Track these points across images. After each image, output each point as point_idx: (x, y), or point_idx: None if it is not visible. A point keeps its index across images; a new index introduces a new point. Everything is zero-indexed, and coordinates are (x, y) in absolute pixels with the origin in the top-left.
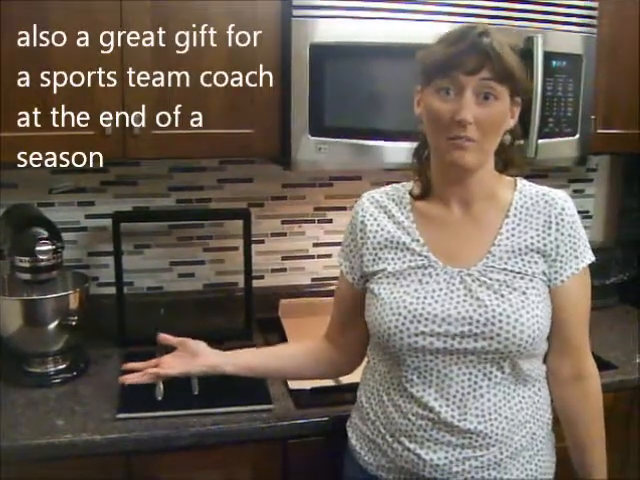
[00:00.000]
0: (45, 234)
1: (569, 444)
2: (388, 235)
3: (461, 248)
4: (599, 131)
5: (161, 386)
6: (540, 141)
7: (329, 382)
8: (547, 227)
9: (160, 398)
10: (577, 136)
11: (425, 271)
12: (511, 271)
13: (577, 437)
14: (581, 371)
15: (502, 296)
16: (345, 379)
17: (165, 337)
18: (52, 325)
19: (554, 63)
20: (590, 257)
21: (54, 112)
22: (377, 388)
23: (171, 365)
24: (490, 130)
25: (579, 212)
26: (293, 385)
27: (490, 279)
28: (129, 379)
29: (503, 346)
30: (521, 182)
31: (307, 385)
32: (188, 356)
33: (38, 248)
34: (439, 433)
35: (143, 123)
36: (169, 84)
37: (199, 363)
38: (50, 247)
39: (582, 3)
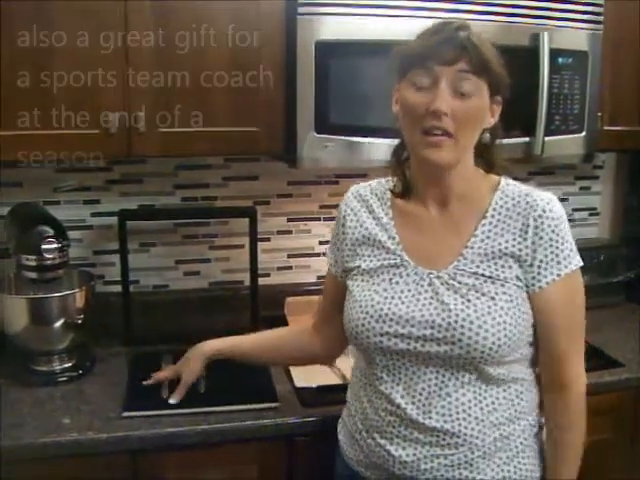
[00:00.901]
0: (51, 232)
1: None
2: (366, 232)
3: (435, 249)
4: (605, 128)
5: (167, 385)
6: (546, 138)
7: (335, 380)
8: (524, 231)
9: (166, 396)
10: (583, 133)
11: (397, 270)
12: (482, 275)
13: (550, 446)
14: (561, 380)
15: (468, 301)
16: None
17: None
18: (58, 323)
19: (560, 60)
20: (576, 263)
21: (58, 111)
22: (358, 384)
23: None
24: (466, 124)
25: (585, 209)
26: (299, 383)
27: (459, 283)
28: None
29: (465, 352)
30: (505, 182)
31: (313, 383)
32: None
33: (44, 246)
34: (407, 430)
35: (148, 121)
36: (173, 82)
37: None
38: (56, 245)
39: (588, 0)
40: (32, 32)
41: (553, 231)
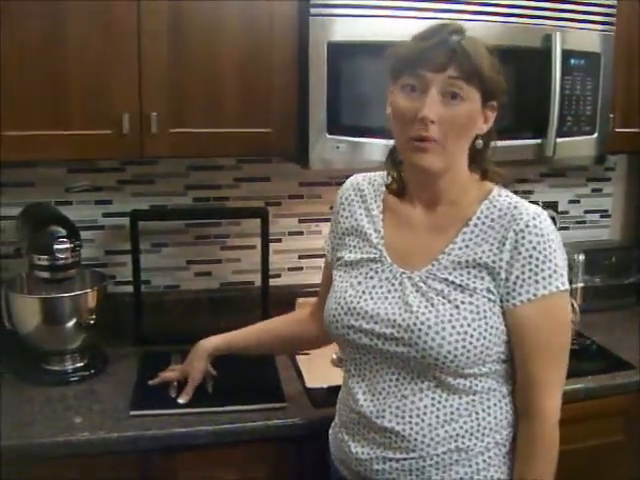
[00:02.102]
0: (63, 232)
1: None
2: (355, 222)
3: (414, 250)
4: (617, 130)
5: (175, 384)
6: (558, 140)
7: None
8: (502, 243)
9: (174, 396)
10: (595, 135)
11: (374, 265)
12: (452, 282)
13: (518, 471)
14: (530, 409)
15: (432, 305)
16: None
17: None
18: (70, 323)
19: (572, 61)
20: (558, 285)
21: (71, 111)
22: (345, 379)
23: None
24: (454, 131)
25: (597, 211)
26: (310, 383)
27: (428, 286)
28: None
29: (421, 355)
30: (498, 192)
31: (324, 384)
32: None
33: (56, 246)
34: (364, 428)
35: (160, 122)
36: (186, 83)
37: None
38: (68, 245)
39: (601, 1)
40: (45, 32)
41: (534, 248)
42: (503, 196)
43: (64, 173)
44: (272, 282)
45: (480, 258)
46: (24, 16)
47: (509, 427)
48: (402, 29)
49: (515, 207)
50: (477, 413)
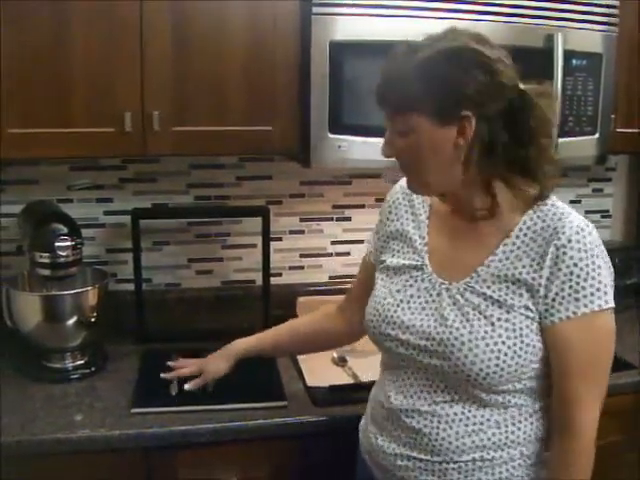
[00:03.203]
0: (65, 230)
1: None
2: (401, 226)
3: (455, 260)
4: (618, 130)
5: (176, 382)
6: (560, 140)
7: (347, 380)
8: (542, 259)
9: (175, 393)
10: (597, 135)
11: (415, 273)
12: (490, 297)
13: None
14: (568, 425)
15: (467, 320)
16: (364, 377)
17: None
18: (71, 321)
19: (574, 62)
20: (601, 304)
21: (73, 109)
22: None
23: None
24: (413, 161)
25: (598, 212)
26: (311, 382)
27: (465, 300)
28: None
29: (453, 371)
30: (545, 203)
31: (325, 383)
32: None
33: (58, 244)
34: (392, 425)
35: (162, 120)
36: (188, 81)
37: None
38: (70, 243)
39: (603, 1)
40: (48, 31)
41: (576, 264)
42: (549, 205)
43: (66, 171)
44: (273, 281)
45: (520, 274)
46: (28, 15)
47: (537, 442)
48: (404, 29)
49: (559, 219)
50: (507, 427)
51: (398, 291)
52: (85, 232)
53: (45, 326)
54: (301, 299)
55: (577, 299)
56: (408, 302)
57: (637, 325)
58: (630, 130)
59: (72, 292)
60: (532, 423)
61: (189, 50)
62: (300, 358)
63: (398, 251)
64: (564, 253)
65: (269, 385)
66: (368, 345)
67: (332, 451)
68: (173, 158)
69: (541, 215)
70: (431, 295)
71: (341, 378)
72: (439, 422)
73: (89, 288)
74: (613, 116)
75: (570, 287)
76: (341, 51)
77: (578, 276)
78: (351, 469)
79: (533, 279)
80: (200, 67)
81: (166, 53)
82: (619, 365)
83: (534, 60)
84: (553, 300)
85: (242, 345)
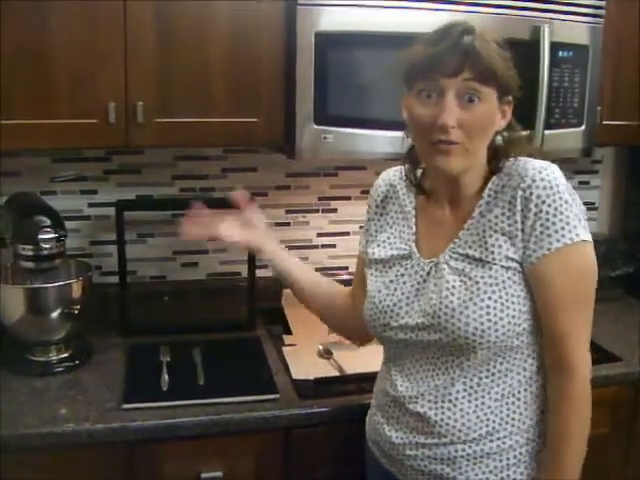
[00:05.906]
0: (48, 222)
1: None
2: (387, 217)
3: (439, 237)
4: (605, 122)
5: (166, 376)
6: (546, 132)
7: (332, 372)
8: (513, 205)
9: (165, 388)
10: (583, 127)
11: (404, 262)
12: (472, 257)
13: (550, 431)
14: (562, 361)
15: (454, 287)
16: (349, 369)
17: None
18: (55, 313)
19: (560, 54)
20: (572, 237)
21: (56, 100)
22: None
23: (229, 232)
24: (475, 133)
25: (584, 204)
26: (296, 375)
27: (450, 267)
28: (189, 234)
29: (452, 339)
30: (508, 160)
31: (310, 375)
32: (244, 226)
33: (41, 236)
34: (399, 411)
35: (146, 111)
36: (172, 72)
37: (253, 238)
38: (53, 235)
39: None
40: (31, 21)
41: (543, 202)
42: (511, 160)
43: (49, 163)
44: (259, 273)
45: (495, 224)
46: (9, 6)
47: (539, 413)
48: (390, 19)
49: (522, 166)
50: (507, 397)
51: (392, 281)
52: (69, 224)
53: (29, 319)
54: (287, 291)
55: (549, 235)
56: (402, 289)
57: (622, 317)
58: (616, 122)
59: (56, 284)
60: (532, 392)
61: (173, 40)
62: (285, 350)
63: (384, 241)
64: (530, 193)
65: (260, 378)
66: None
67: (318, 443)
68: (158, 150)
69: (506, 170)
70: (421, 276)
71: (326, 371)
72: (442, 402)
73: (73, 280)
74: (599, 108)
75: (541, 225)
76: (326, 42)
77: (547, 212)
78: (336, 460)
79: (510, 225)
80: (184, 58)
81: (150, 44)
82: (605, 357)
83: (520, 52)
84: (528, 241)
85: (276, 247)
